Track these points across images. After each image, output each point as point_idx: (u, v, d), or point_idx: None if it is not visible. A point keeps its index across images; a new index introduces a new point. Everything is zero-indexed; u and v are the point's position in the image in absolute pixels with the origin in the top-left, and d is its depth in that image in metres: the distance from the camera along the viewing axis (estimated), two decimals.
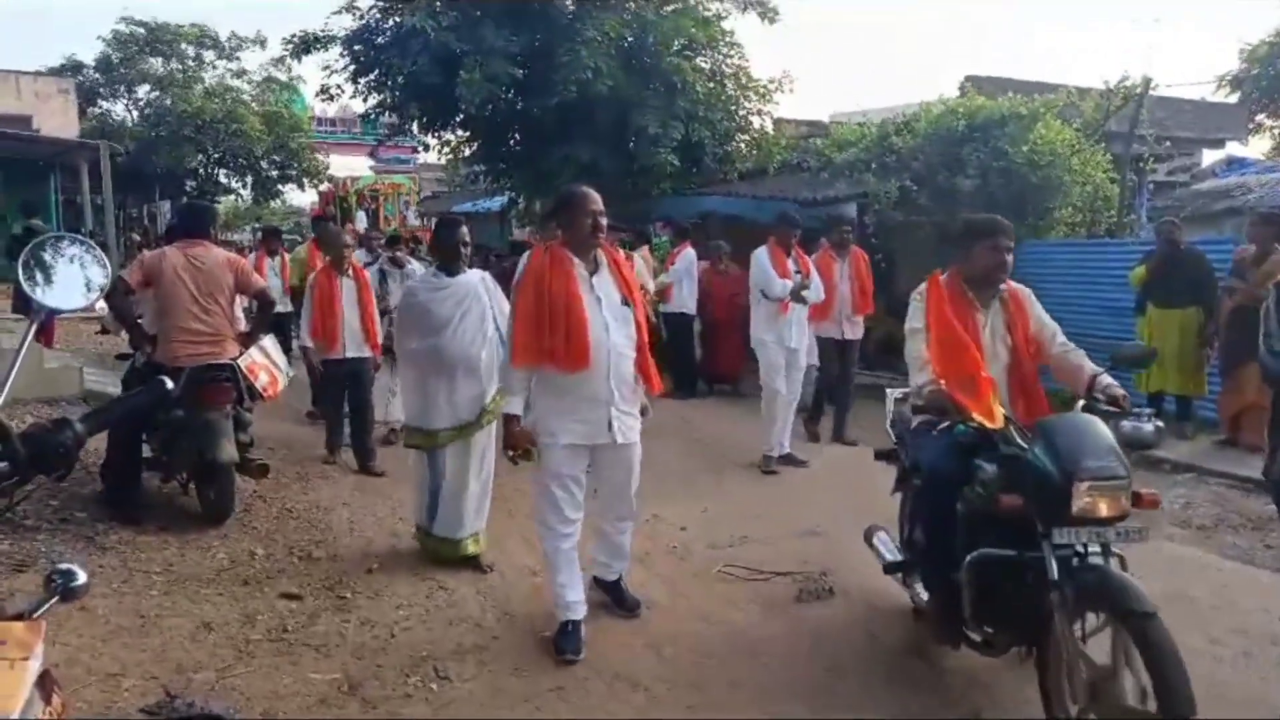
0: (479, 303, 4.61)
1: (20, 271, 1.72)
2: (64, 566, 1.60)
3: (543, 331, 3.65)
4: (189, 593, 4.28)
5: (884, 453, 4.16)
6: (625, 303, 3.83)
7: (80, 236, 1.93)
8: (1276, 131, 31.64)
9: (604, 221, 3.81)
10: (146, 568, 4.54)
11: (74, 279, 1.82)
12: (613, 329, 3.73)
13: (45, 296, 1.76)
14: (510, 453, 3.81)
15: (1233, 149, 25.56)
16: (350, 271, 6.79)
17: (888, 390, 4.34)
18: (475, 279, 4.69)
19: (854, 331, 7.73)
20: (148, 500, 5.47)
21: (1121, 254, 9.06)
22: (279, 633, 3.91)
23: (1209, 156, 24.02)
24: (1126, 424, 7.31)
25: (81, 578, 1.60)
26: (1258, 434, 7.04)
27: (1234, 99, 28.91)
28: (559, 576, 3.86)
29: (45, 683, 1.33)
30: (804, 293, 6.91)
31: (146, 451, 5.43)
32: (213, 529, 5.15)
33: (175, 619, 3.98)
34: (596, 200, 3.80)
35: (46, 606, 1.51)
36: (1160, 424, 7.14)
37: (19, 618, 1.46)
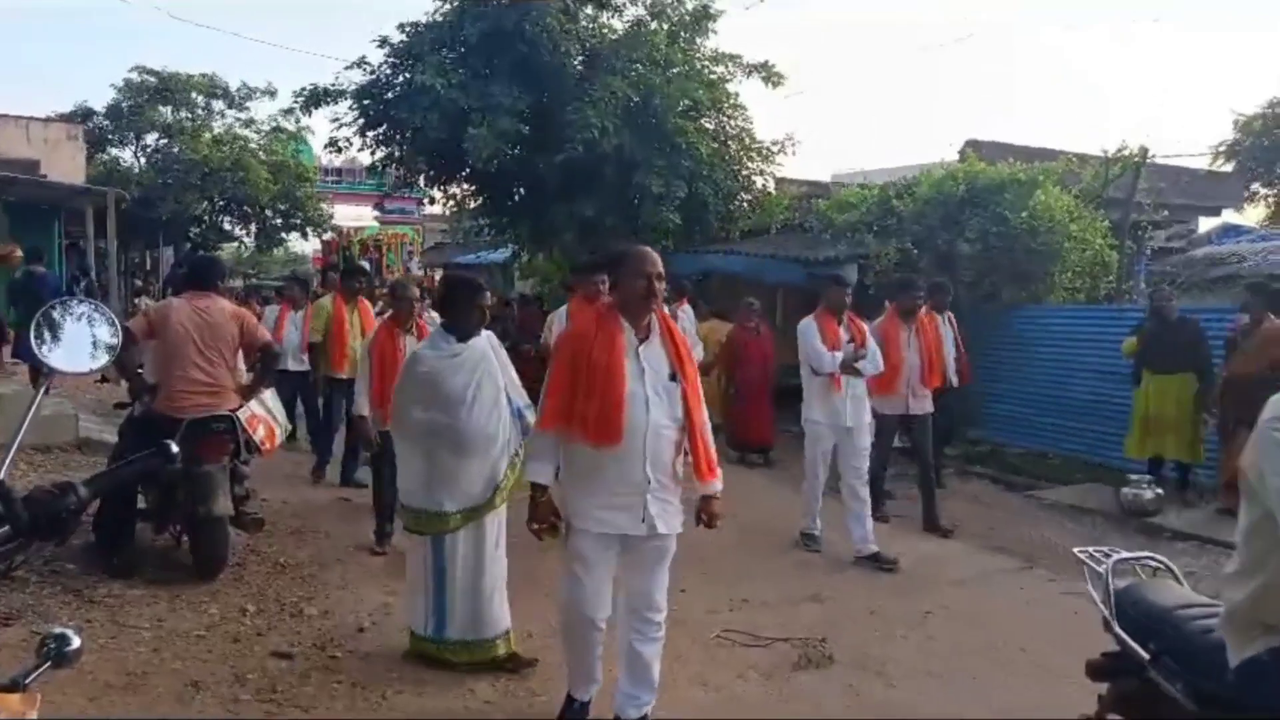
0: (492, 370, 4.11)
1: (31, 333, 1.73)
2: (58, 631, 1.57)
3: (575, 396, 3.29)
4: (178, 650, 4.21)
5: (1101, 666, 2.76)
6: (674, 377, 3.40)
7: (92, 301, 1.93)
8: (1271, 200, 32.28)
9: (661, 286, 3.40)
10: (135, 623, 4.47)
11: (82, 341, 1.82)
12: (654, 405, 3.30)
13: (53, 358, 1.76)
14: (535, 526, 3.43)
15: (1229, 216, 25.99)
16: (415, 329, 5.87)
17: (1082, 553, 2.99)
18: (484, 342, 4.18)
19: (921, 405, 6.89)
20: (139, 553, 5.41)
21: (1118, 319, 9.12)
22: (268, 693, 3.84)
23: (1205, 223, 24.41)
24: (1127, 491, 7.33)
25: (75, 642, 1.57)
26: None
27: (1229, 168, 29.49)
28: (577, 661, 3.55)
29: None
30: (858, 364, 6.07)
31: (141, 503, 5.38)
32: (204, 584, 5.08)
33: (163, 677, 3.91)
34: (655, 261, 3.38)
35: (39, 673, 1.47)
36: (1160, 491, 7.26)
37: (12, 686, 1.43)
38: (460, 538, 4.07)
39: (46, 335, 1.77)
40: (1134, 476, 7.42)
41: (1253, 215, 30.66)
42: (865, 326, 6.40)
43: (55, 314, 1.81)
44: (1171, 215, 16.15)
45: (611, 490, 3.32)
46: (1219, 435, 7.41)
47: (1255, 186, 31.16)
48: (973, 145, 13.61)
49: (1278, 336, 7.12)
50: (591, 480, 3.33)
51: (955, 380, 7.89)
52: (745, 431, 9.62)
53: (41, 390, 1.74)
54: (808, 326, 6.23)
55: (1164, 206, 12.03)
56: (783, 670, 4.28)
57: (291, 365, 8.46)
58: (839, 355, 6.05)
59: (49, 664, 1.51)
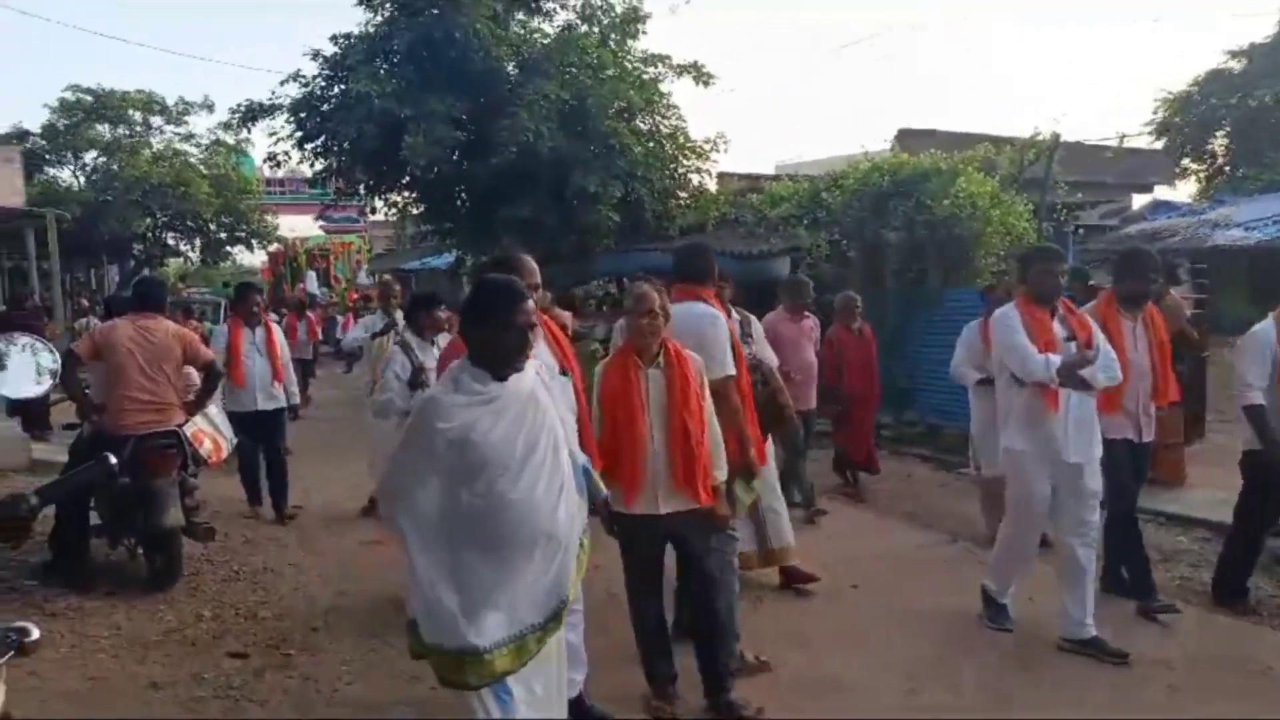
0: (547, 419, 2.83)
1: None
2: (18, 624, 1.82)
3: None
4: (137, 655, 4.42)
5: None
6: (564, 372, 3.49)
7: (35, 335, 2.17)
8: (1201, 175, 33.38)
9: (539, 295, 3.46)
10: (95, 632, 4.67)
11: (26, 368, 2.06)
12: (557, 400, 3.19)
13: (2, 386, 2.00)
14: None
15: (1161, 192, 26.88)
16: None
17: None
18: (531, 378, 2.85)
19: (1150, 429, 4.99)
20: (96, 567, 5.58)
21: None
22: (225, 690, 4.07)
23: (1139, 200, 25.27)
24: None
25: (35, 633, 1.82)
26: (1167, 471, 7.40)
27: (1160, 145, 30.43)
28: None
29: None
30: (1086, 371, 4.26)
31: (94, 519, 5.55)
32: (160, 593, 5.27)
33: (124, 681, 4.13)
34: (533, 270, 3.48)
35: (4, 659, 1.72)
36: None
37: None
38: (519, 687, 2.69)
39: None
40: None
41: (1184, 190, 31.77)
42: (1089, 319, 4.62)
43: (1, 346, 2.06)
44: (1096, 194, 16.75)
45: None
46: None
47: (1186, 162, 32.31)
48: (904, 133, 14.07)
49: (1179, 310, 7.55)
50: None
51: None
52: (854, 450, 7.94)
53: None
54: (1007, 318, 4.51)
55: (1079, 189, 12.49)
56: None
57: (261, 403, 7.02)
58: (1054, 359, 4.28)
59: (12, 653, 1.77)
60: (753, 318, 5.59)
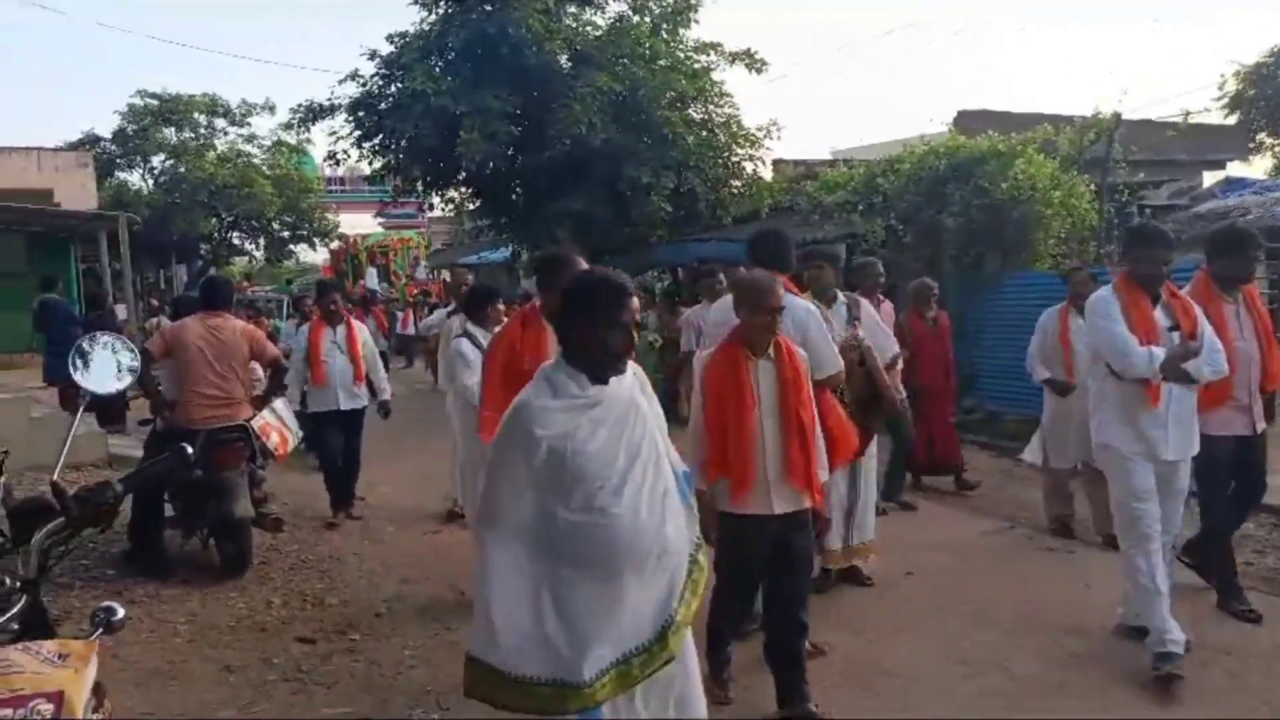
0: (648, 427, 2.64)
1: (69, 364, 2.11)
2: (106, 604, 1.96)
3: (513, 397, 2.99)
4: (211, 640, 4.61)
5: None
6: None
7: (117, 335, 2.32)
8: (1278, 150, 31.95)
9: None
10: (171, 618, 4.89)
11: (108, 366, 2.20)
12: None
13: (87, 382, 2.15)
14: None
15: (1234, 169, 25.87)
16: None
17: None
18: (630, 381, 2.66)
19: (1260, 418, 4.56)
20: (171, 557, 5.82)
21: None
22: (294, 673, 4.23)
23: (1210, 178, 24.40)
24: None
25: (121, 613, 1.96)
26: None
27: (1233, 120, 29.23)
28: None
29: (98, 690, 1.69)
30: (1189, 365, 3.93)
31: (169, 511, 5.78)
32: (232, 581, 5.47)
33: (200, 664, 4.32)
34: (578, 266, 3.57)
35: (95, 635, 1.86)
36: None
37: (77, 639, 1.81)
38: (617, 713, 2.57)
39: (79, 363, 2.16)
40: None
41: (1260, 166, 30.41)
42: (1195, 307, 4.18)
43: (85, 345, 2.20)
44: (1159, 173, 16.29)
45: None
46: None
47: (1262, 136, 30.97)
48: (964, 115, 13.83)
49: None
50: None
51: None
52: (929, 450, 7.48)
53: (80, 411, 2.13)
54: (1105, 304, 4.13)
55: (1140, 169, 12.17)
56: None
57: (343, 402, 6.93)
58: (1157, 352, 3.91)
59: (101, 630, 1.90)
60: (862, 300, 5.41)
